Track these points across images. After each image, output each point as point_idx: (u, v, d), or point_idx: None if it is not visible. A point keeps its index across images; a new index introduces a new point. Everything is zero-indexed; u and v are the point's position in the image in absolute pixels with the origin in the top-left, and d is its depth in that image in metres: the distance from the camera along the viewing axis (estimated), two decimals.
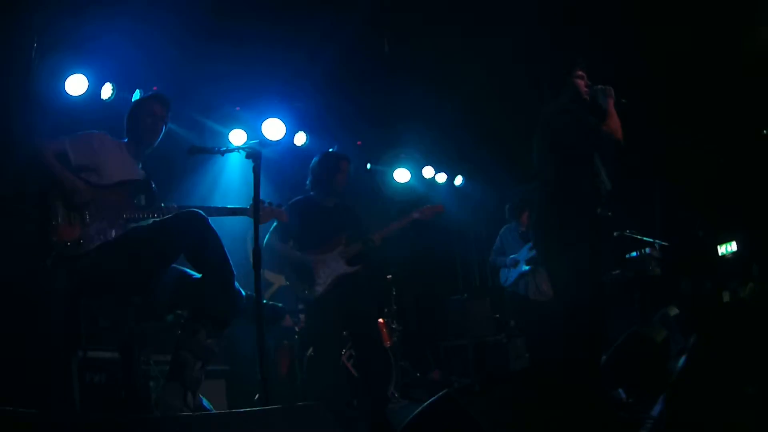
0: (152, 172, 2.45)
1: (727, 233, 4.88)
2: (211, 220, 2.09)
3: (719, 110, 4.70)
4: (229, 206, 2.41)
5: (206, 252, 2.03)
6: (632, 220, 4.37)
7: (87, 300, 2.18)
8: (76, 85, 3.60)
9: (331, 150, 3.19)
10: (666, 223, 4.78)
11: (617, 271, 4.18)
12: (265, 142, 2.07)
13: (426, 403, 1.46)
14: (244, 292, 2.18)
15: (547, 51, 3.88)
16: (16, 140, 2.82)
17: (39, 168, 2.19)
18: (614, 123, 2.51)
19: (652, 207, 4.96)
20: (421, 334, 4.91)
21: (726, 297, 4.08)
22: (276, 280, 3.97)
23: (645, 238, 4.31)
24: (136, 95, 3.75)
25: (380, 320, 3.97)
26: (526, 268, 4.20)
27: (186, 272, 2.17)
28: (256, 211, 2.07)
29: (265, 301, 2.89)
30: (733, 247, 4.86)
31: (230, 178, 4.35)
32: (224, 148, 2.22)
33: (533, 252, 4.15)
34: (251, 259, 2.02)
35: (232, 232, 2.57)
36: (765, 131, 4.75)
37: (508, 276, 4.34)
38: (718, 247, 4.87)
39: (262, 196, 2.17)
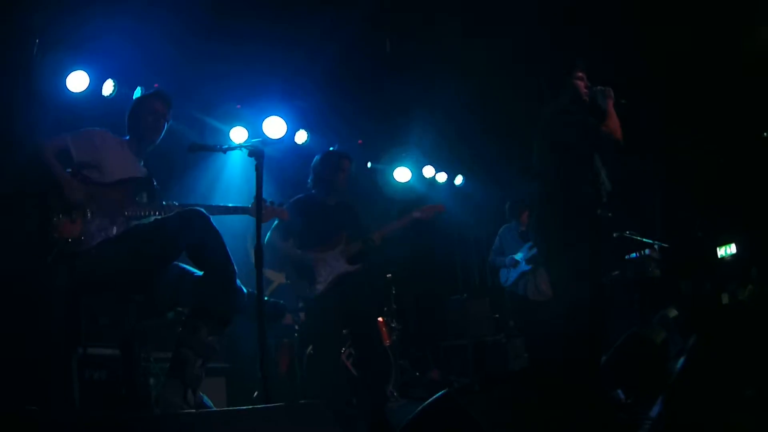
0: (152, 169, 2.46)
1: (726, 235, 4.88)
2: (212, 218, 2.09)
3: (719, 112, 4.70)
4: (230, 205, 2.41)
5: (208, 250, 2.03)
6: (632, 222, 4.37)
7: (88, 297, 2.19)
8: (77, 81, 3.60)
9: (332, 148, 3.19)
10: (666, 224, 4.79)
11: (617, 272, 4.19)
12: (267, 141, 2.06)
13: (425, 403, 1.46)
14: (245, 290, 2.18)
15: (547, 51, 3.89)
16: (18, 137, 2.82)
17: (38, 166, 2.20)
18: (614, 123, 2.53)
19: (652, 208, 4.97)
20: (420, 334, 4.92)
21: (725, 299, 4.09)
22: (276, 278, 3.97)
23: (645, 240, 4.31)
24: (137, 92, 3.74)
25: (380, 319, 3.98)
26: (527, 267, 4.21)
27: (187, 270, 2.17)
28: (259, 209, 2.07)
29: (266, 299, 2.89)
30: (732, 249, 4.86)
31: (230, 177, 4.35)
32: (226, 146, 2.22)
33: (533, 251, 4.15)
34: (252, 257, 2.02)
35: (232, 230, 2.57)
36: (765, 134, 4.76)
37: (508, 276, 4.34)
38: (718, 249, 4.87)
39: (263, 195, 2.17)
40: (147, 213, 2.23)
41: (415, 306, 5.03)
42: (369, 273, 3.06)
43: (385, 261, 4.15)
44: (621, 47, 4.18)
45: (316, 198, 3.07)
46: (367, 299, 3.01)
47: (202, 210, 2.08)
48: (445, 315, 5.34)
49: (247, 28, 3.83)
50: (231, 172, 4.37)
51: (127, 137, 2.42)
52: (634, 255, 4.33)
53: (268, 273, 3.89)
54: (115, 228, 2.13)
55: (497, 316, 5.11)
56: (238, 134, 4.35)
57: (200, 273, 2.11)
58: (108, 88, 3.73)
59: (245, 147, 2.10)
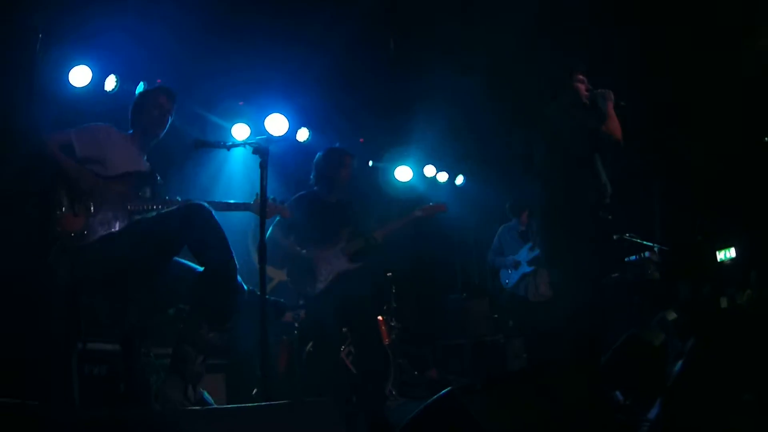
0: (155, 164, 2.46)
1: (726, 239, 4.90)
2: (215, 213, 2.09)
3: (720, 116, 4.72)
4: (231, 201, 2.41)
5: (210, 245, 2.03)
6: (632, 224, 4.38)
7: (89, 292, 2.19)
8: (80, 76, 3.60)
9: (335, 146, 3.19)
10: (665, 227, 4.80)
11: (616, 274, 4.20)
12: (272, 139, 2.06)
13: (428, 402, 1.47)
14: (246, 287, 2.18)
15: (549, 52, 3.90)
16: (21, 132, 2.82)
17: (44, 158, 2.20)
18: (613, 125, 2.58)
19: (652, 211, 4.98)
20: (419, 333, 4.92)
21: (724, 303, 4.10)
22: (276, 275, 3.98)
23: (644, 242, 4.33)
24: (140, 88, 3.74)
25: (379, 318, 3.98)
26: (529, 269, 4.22)
27: (189, 265, 2.17)
28: (263, 206, 2.07)
29: (267, 297, 2.89)
30: (731, 253, 4.88)
31: (231, 173, 4.34)
32: (230, 143, 2.23)
33: (534, 252, 4.17)
34: (252, 253, 2.03)
35: (232, 226, 2.58)
36: (766, 138, 4.77)
37: (509, 278, 4.35)
38: (717, 253, 4.89)
39: (258, 191, 2.17)
40: (150, 207, 2.23)
41: (415, 305, 5.04)
42: (370, 271, 3.07)
43: (385, 259, 4.15)
44: (622, 49, 4.19)
45: (318, 195, 3.07)
46: (367, 298, 3.01)
47: (206, 204, 2.09)
48: (444, 314, 5.35)
49: (250, 24, 3.83)
50: (232, 169, 4.36)
51: (131, 131, 2.42)
52: (633, 257, 4.34)
53: (269, 270, 3.86)
54: (117, 222, 2.14)
55: (496, 316, 5.12)
56: (240, 131, 4.35)
57: (201, 269, 2.12)
58: (110, 83, 3.73)
59: (250, 144, 2.10)
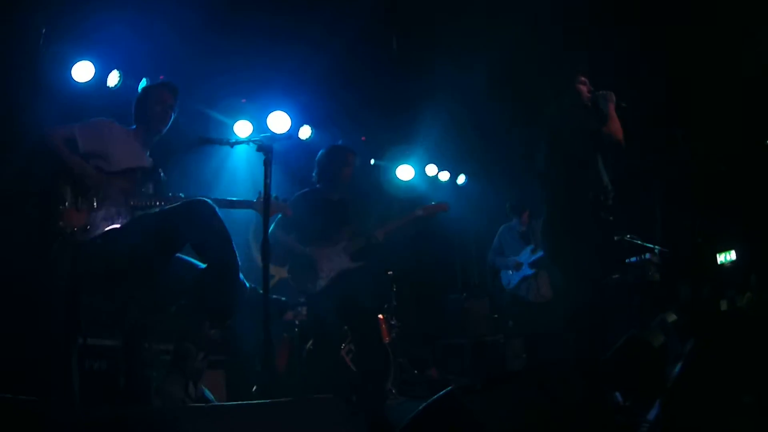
0: (158, 160, 2.46)
1: (726, 242, 4.90)
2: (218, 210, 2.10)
3: (722, 119, 4.72)
4: (234, 199, 2.41)
5: (212, 242, 2.03)
6: (633, 226, 4.39)
7: (90, 287, 2.19)
8: (82, 72, 3.60)
9: (338, 144, 3.19)
10: (666, 229, 4.80)
11: (617, 276, 4.20)
12: (276, 137, 2.06)
13: (429, 401, 1.47)
14: (248, 284, 2.18)
15: (551, 54, 3.90)
16: (24, 126, 2.82)
17: (47, 153, 2.20)
18: (615, 126, 2.60)
19: (653, 213, 4.98)
20: (419, 332, 4.92)
21: (723, 305, 4.11)
22: (277, 272, 3.97)
23: (645, 244, 4.33)
24: (143, 84, 3.74)
25: (380, 316, 3.98)
26: (530, 271, 4.22)
27: (191, 262, 2.17)
28: (267, 204, 2.07)
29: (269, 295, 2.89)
30: (732, 256, 4.88)
31: (232, 170, 4.34)
32: (234, 140, 2.23)
33: (536, 255, 4.18)
34: (253, 250, 2.03)
35: (233, 223, 2.58)
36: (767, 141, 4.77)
37: (510, 279, 4.35)
38: (717, 255, 4.89)
39: (262, 189, 2.17)
40: (152, 203, 2.23)
41: (415, 304, 5.04)
42: (371, 270, 3.07)
43: (386, 258, 4.16)
44: (623, 51, 4.19)
45: (320, 193, 3.07)
46: (368, 296, 3.01)
47: (209, 201, 2.09)
48: (444, 314, 5.35)
49: (253, 22, 3.83)
50: (233, 166, 4.36)
51: (134, 127, 2.42)
52: (634, 259, 4.34)
53: (270, 267, 3.87)
54: (120, 218, 2.14)
55: (496, 316, 5.12)
56: (243, 128, 4.35)
57: (203, 265, 2.12)
58: (113, 78, 3.73)
59: (254, 142, 2.10)
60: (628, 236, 4.28)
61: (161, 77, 3.66)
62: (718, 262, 4.88)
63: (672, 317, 3.70)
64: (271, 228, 2.96)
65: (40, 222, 2.19)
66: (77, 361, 2.26)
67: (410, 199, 5.08)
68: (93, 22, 3.47)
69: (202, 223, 2.03)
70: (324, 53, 4.13)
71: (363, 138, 5.19)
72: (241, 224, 3.28)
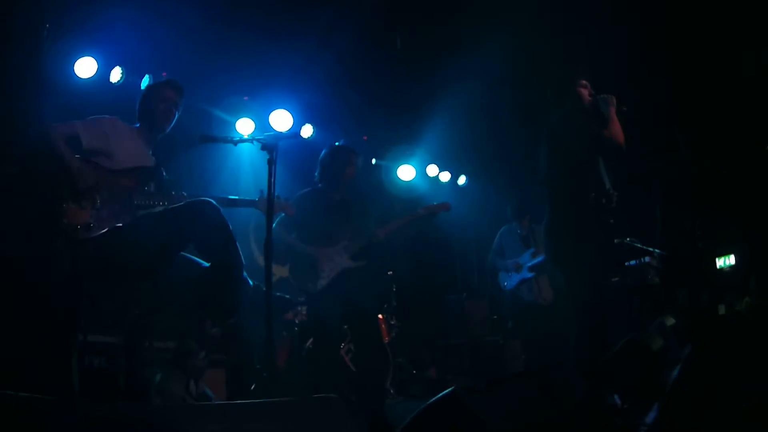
0: (161, 159, 2.45)
1: (726, 246, 4.91)
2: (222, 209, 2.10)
3: (723, 122, 4.73)
4: (235, 197, 2.42)
5: (215, 241, 2.04)
6: (633, 229, 4.39)
7: (92, 285, 2.19)
8: (85, 68, 3.60)
9: (340, 143, 3.19)
10: (666, 233, 4.81)
11: (616, 279, 4.21)
12: (280, 135, 2.06)
13: (431, 400, 1.48)
14: (251, 282, 2.19)
15: (554, 55, 3.91)
16: (26, 121, 2.81)
17: (49, 150, 2.20)
18: (616, 129, 2.62)
19: (653, 217, 4.99)
20: (418, 332, 4.93)
21: (722, 310, 4.12)
22: (277, 271, 3.97)
23: (645, 247, 4.34)
24: (146, 81, 3.74)
25: (380, 316, 3.99)
26: (530, 275, 4.23)
27: (194, 261, 2.17)
28: (270, 203, 2.08)
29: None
30: (731, 260, 4.89)
31: (233, 169, 4.34)
32: (237, 138, 2.23)
33: (536, 259, 4.19)
34: (254, 247, 2.04)
35: (233, 221, 2.58)
36: None
37: (508, 279, 4.36)
38: (717, 259, 4.90)
39: (263, 188, 2.18)
40: (155, 202, 2.23)
41: (414, 304, 5.05)
42: (372, 270, 3.07)
43: (387, 258, 4.16)
44: (624, 53, 4.20)
45: (322, 192, 3.07)
46: (368, 296, 3.02)
47: (212, 201, 2.09)
48: (443, 314, 5.36)
49: (256, 19, 3.83)
50: (234, 164, 4.36)
51: (138, 125, 2.42)
52: (633, 262, 4.35)
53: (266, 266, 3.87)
54: (123, 216, 2.14)
55: (495, 317, 5.13)
56: (245, 126, 4.35)
57: (206, 264, 2.12)
58: (116, 75, 3.72)
59: (258, 140, 2.10)
60: (628, 239, 4.29)
61: (164, 74, 3.67)
62: (718, 267, 4.89)
63: (671, 321, 3.71)
64: (273, 227, 2.96)
65: (42, 219, 2.19)
66: (77, 359, 2.26)
67: (411, 199, 5.08)
68: (96, 18, 3.47)
69: (205, 223, 2.03)
70: (327, 52, 4.13)
71: (365, 137, 5.19)
72: (241, 222, 3.28)
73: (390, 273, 4.49)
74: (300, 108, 4.56)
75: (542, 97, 2.89)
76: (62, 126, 2.25)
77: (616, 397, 2.57)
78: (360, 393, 2.99)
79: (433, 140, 5.23)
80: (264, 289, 2.08)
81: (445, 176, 5.86)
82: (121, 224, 2.12)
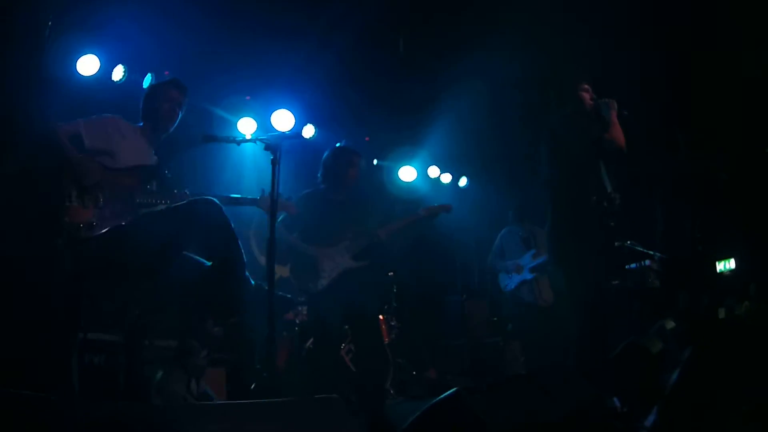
0: (164, 158, 2.45)
1: (726, 250, 4.93)
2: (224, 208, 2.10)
3: (725, 126, 4.74)
4: (238, 196, 2.42)
5: (218, 240, 2.04)
6: (633, 232, 4.40)
7: (94, 283, 2.19)
8: (87, 65, 3.60)
9: (343, 144, 3.19)
10: (667, 236, 4.82)
11: (617, 281, 4.22)
12: (284, 135, 2.07)
13: (435, 400, 1.48)
14: (253, 282, 2.19)
15: (555, 60, 3.93)
16: (28, 118, 2.81)
17: (51, 148, 2.20)
18: (617, 132, 2.64)
19: (654, 220, 5.00)
20: (418, 333, 4.93)
21: (722, 314, 4.13)
22: (278, 270, 3.95)
23: (645, 250, 4.34)
24: (148, 79, 3.75)
25: (380, 317, 3.99)
26: (530, 276, 4.24)
27: (196, 259, 2.17)
28: (273, 203, 2.08)
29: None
30: (731, 264, 4.90)
31: (234, 168, 4.33)
32: (241, 138, 2.23)
33: (537, 260, 4.20)
34: (254, 248, 2.04)
35: (233, 219, 2.58)
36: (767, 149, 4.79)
37: (509, 281, 4.36)
38: (717, 263, 4.91)
39: (265, 187, 2.18)
40: (157, 201, 2.23)
41: (414, 305, 5.05)
42: (373, 270, 3.07)
43: (388, 258, 4.16)
44: (625, 57, 4.22)
45: (325, 193, 3.08)
46: (369, 297, 3.02)
47: (215, 199, 2.09)
48: (443, 315, 5.36)
49: (258, 19, 3.83)
50: (235, 163, 4.35)
51: (141, 124, 2.42)
52: (634, 265, 4.36)
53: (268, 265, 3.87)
54: (126, 215, 2.14)
55: (495, 319, 5.14)
56: (247, 125, 4.35)
57: (208, 263, 2.12)
58: (118, 73, 3.72)
59: (262, 140, 2.10)
60: (629, 242, 4.29)
61: (166, 73, 3.67)
62: (718, 270, 4.90)
63: (671, 324, 3.72)
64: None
65: (43, 218, 2.19)
66: (77, 358, 2.26)
67: (412, 200, 5.08)
68: (99, 16, 3.47)
69: (207, 222, 2.03)
70: (329, 52, 4.13)
71: (366, 138, 5.19)
72: (242, 221, 3.27)
73: (391, 274, 4.50)
74: (302, 108, 4.56)
75: (544, 100, 2.91)
76: (65, 125, 2.25)
77: (615, 399, 2.58)
78: (360, 393, 2.99)
79: (434, 142, 5.23)
80: (264, 288, 2.08)
81: (447, 178, 5.86)
82: (123, 223, 2.12)
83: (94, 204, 2.11)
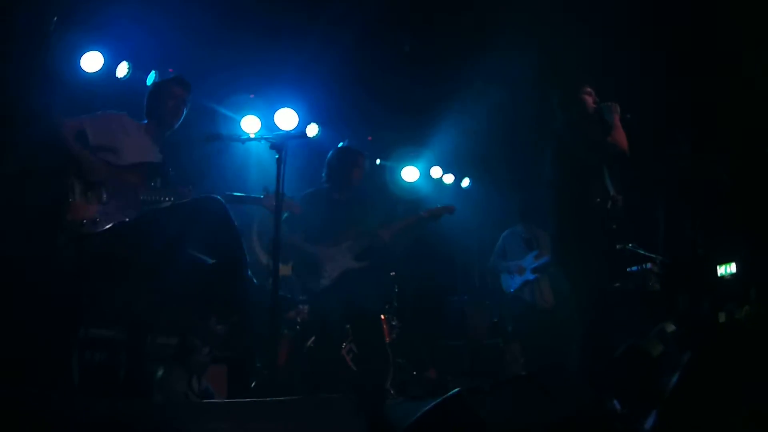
0: (168, 155, 2.45)
1: (728, 254, 4.93)
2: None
3: (727, 129, 4.74)
4: (241, 194, 2.42)
5: (222, 238, 2.04)
6: (636, 235, 4.41)
7: (97, 280, 2.19)
8: (91, 62, 3.60)
9: (346, 144, 3.19)
10: (668, 240, 4.83)
11: (618, 284, 4.22)
12: (289, 134, 2.07)
13: (438, 400, 1.48)
14: (255, 281, 2.19)
15: (559, 64, 3.93)
16: (33, 114, 2.82)
17: (56, 145, 2.20)
18: (619, 136, 2.66)
19: (655, 222, 5.00)
20: (418, 333, 4.94)
21: (722, 318, 4.13)
22: (280, 269, 3.96)
23: (646, 253, 4.35)
24: (152, 76, 3.75)
25: (381, 317, 3.99)
26: (532, 276, 4.24)
27: (199, 257, 2.17)
28: (279, 202, 2.08)
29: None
30: (732, 268, 4.90)
31: (236, 166, 4.33)
32: (246, 137, 2.23)
33: (540, 261, 4.20)
34: (255, 247, 2.04)
35: (237, 219, 2.58)
36: None
37: (512, 281, 4.37)
38: (718, 267, 4.91)
39: (269, 185, 2.18)
40: (161, 198, 2.23)
41: (415, 305, 5.06)
42: (375, 271, 3.08)
43: (389, 258, 4.17)
44: (626, 60, 4.22)
45: (328, 193, 3.08)
46: (371, 297, 3.02)
47: (219, 198, 2.09)
48: (443, 316, 5.37)
49: (262, 16, 3.84)
50: (238, 161, 4.35)
51: (145, 121, 2.42)
52: (635, 268, 4.36)
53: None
54: (129, 212, 2.14)
55: (496, 320, 5.14)
56: (251, 124, 4.35)
57: (211, 261, 2.12)
58: (122, 70, 3.73)
59: (267, 140, 2.11)
60: (630, 245, 4.30)
61: (170, 70, 3.67)
62: (719, 274, 4.91)
63: (671, 327, 3.73)
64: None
65: (46, 213, 2.19)
66: (78, 354, 2.26)
67: (414, 200, 5.09)
68: (103, 12, 3.47)
69: (211, 220, 2.04)
70: (333, 50, 4.13)
71: (369, 137, 5.19)
72: (244, 220, 3.26)
73: (392, 274, 4.50)
74: (305, 107, 4.57)
75: (547, 103, 2.92)
76: (70, 121, 2.25)
77: (615, 401, 2.59)
78: (360, 393, 2.99)
79: (437, 142, 5.23)
80: (266, 287, 2.08)
81: (449, 178, 5.87)
82: (127, 219, 2.12)
83: (98, 200, 2.12)
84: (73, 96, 3.34)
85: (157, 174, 2.31)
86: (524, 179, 5.11)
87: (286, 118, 4.43)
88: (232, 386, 3.08)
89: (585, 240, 2.53)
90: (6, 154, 2.83)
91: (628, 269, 4.36)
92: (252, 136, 2.31)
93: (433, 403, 1.48)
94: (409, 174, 5.58)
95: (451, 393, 1.48)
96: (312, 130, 4.71)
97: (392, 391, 3.85)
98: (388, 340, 3.98)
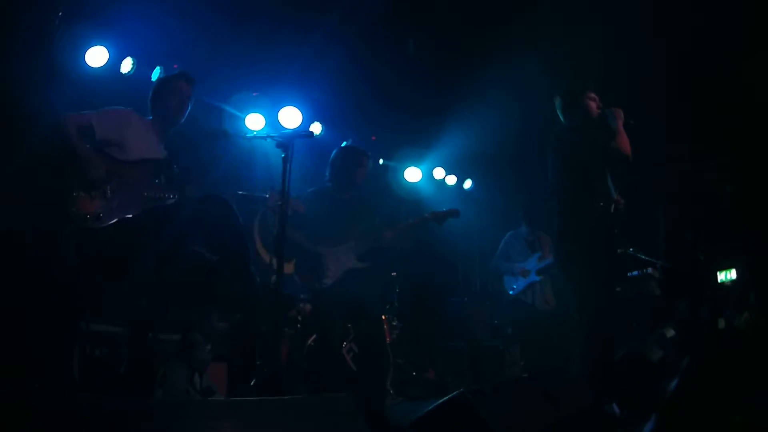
0: (173, 153, 2.45)
1: (728, 261, 4.94)
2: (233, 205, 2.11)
3: (728, 134, 4.75)
4: (245, 193, 2.42)
5: (225, 236, 2.05)
6: (636, 240, 4.41)
7: (99, 275, 2.19)
8: (96, 57, 3.59)
9: (349, 144, 3.18)
10: (669, 245, 4.83)
11: (618, 289, 4.23)
12: (295, 133, 2.07)
13: (441, 400, 1.49)
14: (258, 278, 2.20)
15: (564, 68, 3.93)
16: (37, 109, 2.82)
17: (60, 140, 2.20)
18: (623, 141, 2.68)
19: (657, 228, 5.01)
20: (419, 334, 4.94)
21: (721, 324, 4.14)
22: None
23: (647, 258, 4.36)
24: (156, 72, 3.75)
25: (382, 317, 3.99)
26: (537, 278, 4.24)
27: (202, 254, 2.18)
28: (285, 200, 2.08)
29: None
30: (732, 274, 4.91)
31: (239, 163, 4.32)
32: (251, 135, 2.23)
33: (543, 263, 4.21)
34: (257, 245, 2.04)
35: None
36: None
37: (516, 283, 4.37)
38: (718, 273, 4.92)
39: (273, 183, 2.19)
40: (165, 195, 2.24)
41: (415, 306, 5.06)
42: (377, 271, 3.07)
43: (391, 259, 4.17)
44: (628, 65, 4.22)
45: (331, 192, 3.07)
46: (373, 297, 3.01)
47: (224, 196, 2.10)
48: (444, 317, 5.37)
49: (267, 15, 3.83)
50: (242, 159, 4.34)
51: (150, 118, 2.42)
52: (636, 273, 4.37)
53: (275, 262, 3.87)
54: (133, 207, 2.14)
55: (496, 322, 5.14)
56: (255, 121, 4.35)
57: (215, 258, 2.13)
58: (127, 65, 3.72)
59: (273, 138, 2.11)
60: (631, 250, 4.31)
61: (175, 66, 3.67)
62: (719, 281, 4.91)
63: (671, 332, 3.74)
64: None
65: (50, 208, 2.19)
66: (78, 349, 2.26)
67: (416, 201, 5.08)
68: (109, 8, 3.47)
69: (216, 218, 2.04)
70: (337, 50, 4.14)
71: (373, 137, 5.19)
72: (246, 218, 3.27)
73: (393, 274, 4.50)
74: (309, 105, 4.56)
75: (552, 108, 2.93)
76: (76, 116, 2.25)
77: (615, 405, 2.59)
78: (360, 392, 2.99)
79: (440, 143, 5.23)
80: (268, 286, 2.09)
81: (451, 179, 5.87)
82: (130, 215, 2.12)
83: (102, 195, 2.12)
84: (78, 91, 3.33)
85: (161, 171, 2.31)
86: (527, 182, 5.11)
87: (290, 117, 4.42)
88: (232, 384, 3.09)
89: (587, 242, 2.53)
90: (11, 149, 2.83)
91: (628, 274, 4.37)
92: (255, 133, 2.30)
93: (436, 403, 1.48)
94: (412, 175, 5.58)
95: (454, 394, 1.48)
96: (315, 128, 4.71)
97: (391, 392, 3.85)
98: (388, 340, 3.98)
